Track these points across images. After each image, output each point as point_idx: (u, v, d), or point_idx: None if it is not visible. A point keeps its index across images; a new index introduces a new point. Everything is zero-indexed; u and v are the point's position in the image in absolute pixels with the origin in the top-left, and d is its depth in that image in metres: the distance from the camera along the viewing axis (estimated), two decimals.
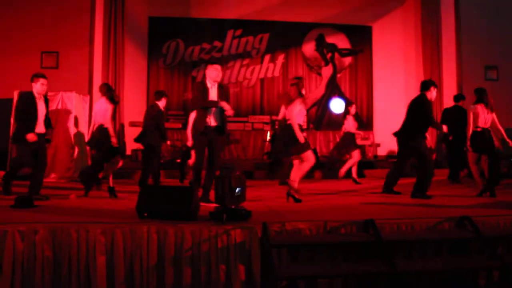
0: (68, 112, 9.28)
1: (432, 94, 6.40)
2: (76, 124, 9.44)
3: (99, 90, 6.90)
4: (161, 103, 7.38)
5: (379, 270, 3.99)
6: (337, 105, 12.49)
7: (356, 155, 8.52)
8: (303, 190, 6.12)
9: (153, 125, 7.19)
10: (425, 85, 6.45)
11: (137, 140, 7.36)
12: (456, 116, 8.34)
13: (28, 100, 5.99)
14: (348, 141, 8.55)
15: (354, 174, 8.62)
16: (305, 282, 4.07)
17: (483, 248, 4.24)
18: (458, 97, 8.89)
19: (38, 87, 6.01)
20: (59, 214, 4.79)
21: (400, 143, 6.60)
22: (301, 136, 5.65)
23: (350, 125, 8.60)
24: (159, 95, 7.46)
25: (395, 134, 6.58)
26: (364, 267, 4.09)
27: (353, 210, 5.22)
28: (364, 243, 4.19)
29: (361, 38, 13.22)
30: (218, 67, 5.78)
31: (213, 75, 5.71)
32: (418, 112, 6.31)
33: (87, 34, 10.70)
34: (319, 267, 4.09)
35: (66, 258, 3.94)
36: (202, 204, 5.09)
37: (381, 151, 12.56)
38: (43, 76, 6.07)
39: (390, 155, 12.17)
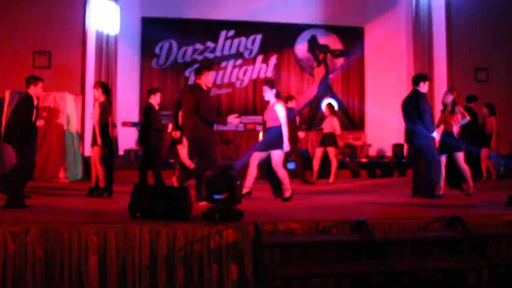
0: (60, 112, 9.22)
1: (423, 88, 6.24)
2: (69, 124, 9.39)
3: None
4: (154, 100, 7.00)
5: (372, 270, 4.02)
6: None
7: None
8: (296, 190, 6.14)
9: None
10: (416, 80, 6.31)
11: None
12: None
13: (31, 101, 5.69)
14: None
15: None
16: (298, 282, 4.09)
17: (473, 247, 4.28)
18: (470, 98, 8.45)
19: (38, 90, 5.78)
20: (51, 214, 4.77)
21: None
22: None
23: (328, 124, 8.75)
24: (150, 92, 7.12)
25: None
26: (356, 267, 4.12)
27: (345, 210, 5.24)
28: (357, 242, 4.22)
29: (353, 39, 13.26)
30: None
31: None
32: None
33: (80, 33, 10.60)
34: (312, 267, 4.11)
35: (58, 259, 3.93)
36: (200, 204, 5.11)
37: (373, 152, 12.63)
38: (41, 79, 5.84)
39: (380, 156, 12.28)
